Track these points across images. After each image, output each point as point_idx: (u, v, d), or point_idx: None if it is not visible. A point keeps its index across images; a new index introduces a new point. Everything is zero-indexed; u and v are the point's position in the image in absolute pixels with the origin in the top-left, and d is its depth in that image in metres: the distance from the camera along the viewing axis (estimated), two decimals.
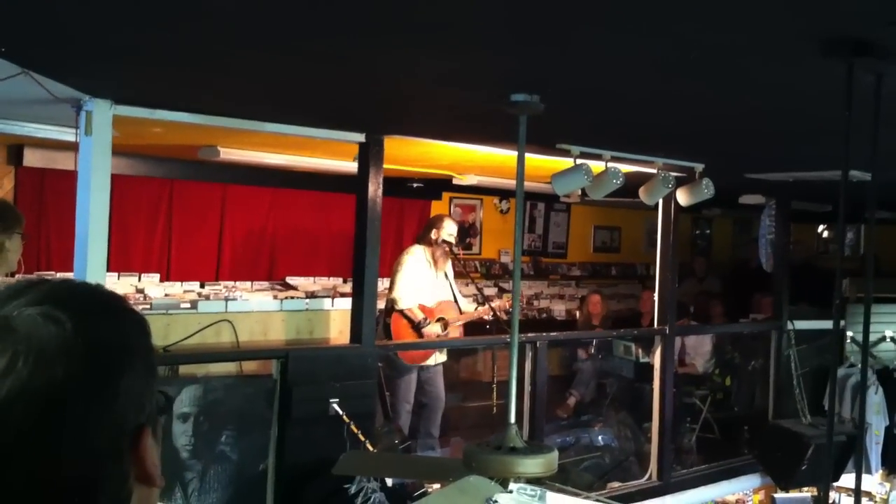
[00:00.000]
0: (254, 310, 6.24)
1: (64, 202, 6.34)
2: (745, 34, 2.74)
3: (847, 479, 7.03)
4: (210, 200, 8.45)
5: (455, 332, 6.74)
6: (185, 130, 5.08)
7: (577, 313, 10.28)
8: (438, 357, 6.69)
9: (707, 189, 5.98)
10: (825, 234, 12.49)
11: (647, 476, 7.03)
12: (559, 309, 10.94)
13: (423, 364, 6.61)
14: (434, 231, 6.72)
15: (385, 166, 5.34)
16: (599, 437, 7.70)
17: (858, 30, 2.57)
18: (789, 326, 7.91)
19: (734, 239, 13.20)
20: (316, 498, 4.86)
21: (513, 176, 3.73)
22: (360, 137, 5.24)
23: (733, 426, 8.49)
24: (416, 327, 6.51)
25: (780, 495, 7.38)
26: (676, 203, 6.43)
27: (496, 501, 2.60)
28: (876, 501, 7.78)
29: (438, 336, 6.60)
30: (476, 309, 6.93)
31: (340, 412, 4.98)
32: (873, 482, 7.76)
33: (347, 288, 7.08)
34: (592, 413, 8.52)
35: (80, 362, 0.87)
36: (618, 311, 10.68)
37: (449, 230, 6.70)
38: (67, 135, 4.68)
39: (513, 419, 3.53)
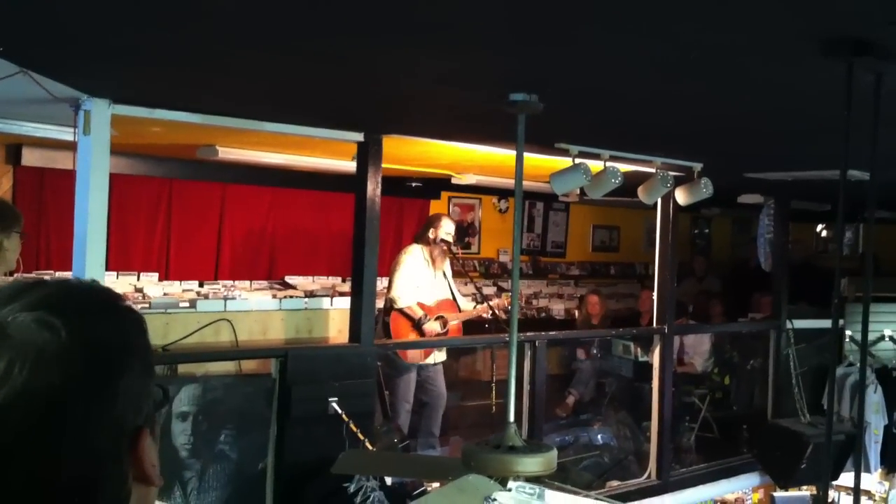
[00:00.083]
0: (253, 309, 6.23)
1: (63, 201, 6.34)
2: (745, 34, 2.74)
3: (846, 478, 7.04)
4: (209, 200, 8.44)
5: (454, 330, 6.74)
6: (184, 130, 5.08)
7: (577, 313, 10.28)
8: (438, 356, 6.69)
9: (706, 188, 5.98)
10: (824, 233, 12.49)
11: (646, 475, 7.04)
12: (558, 308, 10.94)
13: (423, 363, 6.61)
14: (432, 230, 6.72)
15: (384, 166, 5.34)
16: (598, 436, 7.71)
17: (858, 29, 2.57)
18: (788, 326, 7.91)
19: (733, 238, 13.20)
20: (315, 497, 4.86)
21: (511, 175, 3.73)
22: (359, 137, 5.24)
23: (732, 425, 8.49)
24: (417, 324, 6.52)
25: (779, 494, 7.39)
26: (675, 202, 6.43)
27: (495, 500, 2.60)
28: (875, 500, 7.78)
29: (437, 334, 6.60)
30: (475, 307, 6.93)
31: (339, 411, 4.98)
32: (872, 481, 7.77)
33: (346, 287, 7.08)
34: (591, 412, 8.53)
35: (76, 367, 0.87)
36: (617, 310, 10.68)
37: (446, 229, 6.71)
38: (66, 134, 4.68)
39: (512, 418, 3.52)
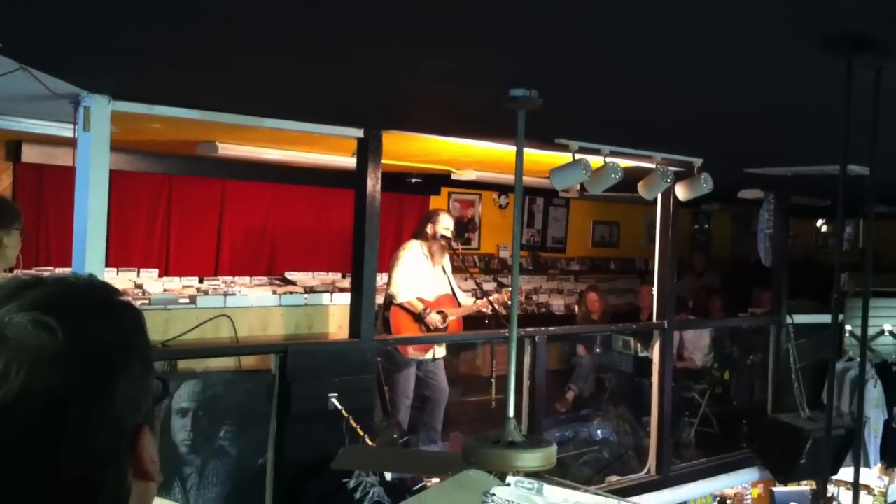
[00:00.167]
0: (253, 305, 6.23)
1: (62, 198, 6.35)
2: (745, 31, 2.74)
3: (846, 473, 7.04)
4: (209, 196, 8.45)
5: (454, 325, 6.74)
6: (184, 126, 5.07)
7: (576, 308, 10.28)
8: (438, 351, 6.70)
9: (706, 184, 5.98)
10: (824, 228, 12.49)
11: (645, 470, 7.04)
12: (558, 304, 10.94)
13: (423, 359, 6.61)
14: (430, 225, 6.72)
15: (384, 161, 5.34)
16: (598, 432, 7.72)
17: (858, 25, 2.57)
18: (788, 321, 7.91)
19: (733, 233, 13.20)
20: (315, 493, 4.86)
21: (511, 171, 3.72)
22: (359, 133, 5.24)
23: (732, 420, 8.50)
24: (418, 318, 6.52)
25: (778, 489, 7.39)
26: (675, 198, 6.43)
27: (494, 495, 2.60)
28: (874, 495, 7.79)
29: (437, 329, 6.60)
30: (474, 302, 6.93)
31: (339, 407, 4.98)
32: (872, 476, 7.77)
33: (346, 283, 7.09)
34: (591, 407, 8.54)
35: (74, 368, 0.87)
36: (616, 305, 10.68)
37: (445, 224, 6.70)
38: (66, 131, 4.68)
39: (512, 413, 3.53)
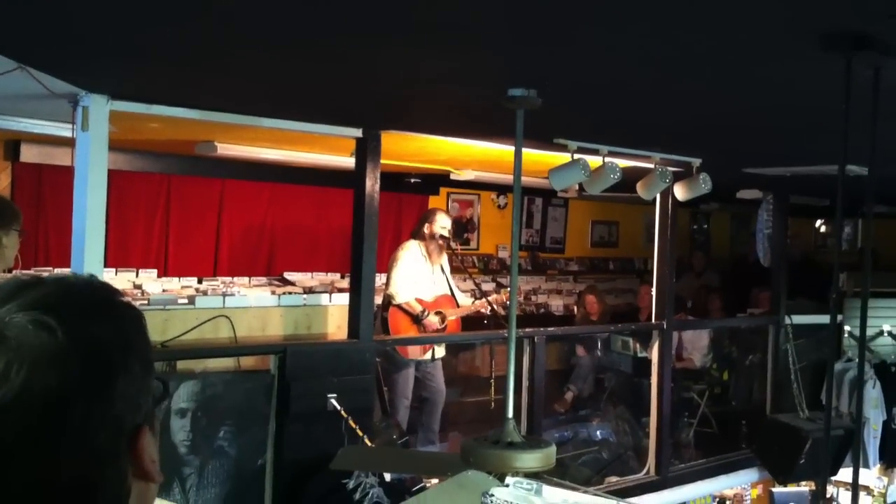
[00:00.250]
0: (252, 305, 6.23)
1: (61, 198, 6.34)
2: (744, 30, 2.74)
3: (845, 474, 7.04)
4: (208, 196, 8.44)
5: (452, 326, 6.74)
6: (183, 126, 5.07)
7: (575, 309, 10.28)
8: (437, 352, 6.69)
9: (704, 184, 5.98)
10: (823, 228, 12.50)
11: (644, 470, 7.05)
12: (557, 304, 10.93)
13: (422, 359, 6.61)
14: (427, 225, 6.72)
15: (382, 161, 5.34)
16: (597, 432, 7.71)
17: (857, 24, 2.57)
18: (787, 321, 7.92)
19: (732, 233, 13.20)
20: (314, 493, 4.86)
21: (510, 171, 3.73)
22: (358, 133, 5.23)
23: (731, 420, 8.50)
24: (417, 319, 6.51)
25: (778, 489, 7.40)
26: (674, 198, 6.43)
27: (493, 495, 2.60)
28: (874, 495, 7.79)
29: (436, 330, 6.60)
30: (473, 303, 6.93)
31: (338, 407, 4.98)
32: (871, 476, 7.77)
33: (345, 283, 7.08)
34: (590, 408, 8.54)
35: (74, 368, 0.86)
36: (615, 305, 10.68)
37: (441, 223, 6.69)
38: (64, 130, 4.67)
39: (511, 414, 3.53)
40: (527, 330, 6.28)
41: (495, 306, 6.75)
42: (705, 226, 13.03)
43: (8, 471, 0.82)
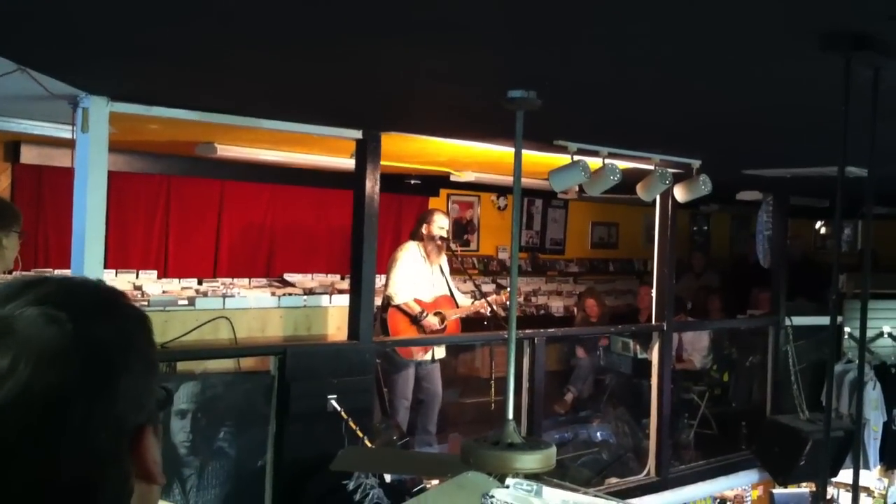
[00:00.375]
0: (251, 306, 6.23)
1: (61, 199, 6.34)
2: (744, 30, 2.74)
3: (845, 475, 7.05)
4: (207, 197, 8.44)
5: (452, 326, 6.74)
6: (183, 127, 5.07)
7: (575, 310, 10.28)
8: (436, 352, 6.69)
9: (704, 185, 5.98)
10: (823, 229, 12.50)
11: (645, 472, 7.04)
12: (557, 305, 10.93)
13: (420, 360, 6.61)
14: (425, 226, 6.72)
15: (382, 163, 5.34)
16: (597, 433, 7.71)
17: (857, 24, 2.57)
18: (787, 322, 7.92)
19: (732, 234, 13.20)
20: (314, 494, 4.86)
21: (510, 172, 3.73)
22: (358, 134, 5.24)
23: (731, 422, 8.49)
24: (415, 320, 6.51)
25: (778, 491, 7.40)
26: (674, 199, 6.43)
27: (493, 497, 2.60)
28: (874, 497, 7.79)
29: (436, 330, 6.60)
30: (472, 303, 6.93)
31: (338, 408, 4.98)
32: (871, 477, 7.77)
33: (345, 284, 7.08)
34: (591, 409, 8.53)
35: (80, 364, 0.86)
36: (615, 307, 10.68)
37: (440, 224, 6.69)
38: (64, 132, 4.68)
39: (511, 415, 3.53)
40: (527, 331, 6.29)
41: (495, 307, 6.75)
42: (705, 227, 13.03)
43: (9, 468, 0.82)
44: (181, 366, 5.26)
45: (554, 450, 3.39)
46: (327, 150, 6.17)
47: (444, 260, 6.85)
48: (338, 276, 7.98)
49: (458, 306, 6.81)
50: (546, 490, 2.76)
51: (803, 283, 8.54)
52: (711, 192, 6.07)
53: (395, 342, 6.45)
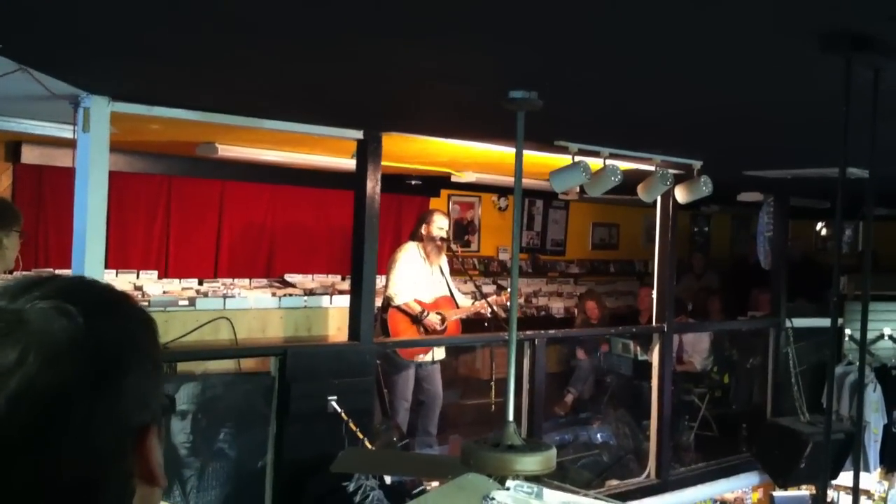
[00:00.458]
0: (252, 307, 6.23)
1: (62, 199, 6.34)
2: (745, 30, 2.74)
3: (845, 477, 7.04)
4: (208, 197, 8.43)
5: (452, 327, 6.74)
6: (184, 127, 5.07)
7: (576, 311, 10.28)
8: (437, 353, 6.69)
9: (705, 186, 5.98)
10: (823, 230, 12.50)
11: (645, 474, 7.04)
12: (557, 306, 10.93)
13: (421, 361, 6.60)
14: (424, 226, 6.71)
15: (383, 163, 5.34)
16: (598, 435, 7.71)
17: (857, 24, 2.57)
18: (787, 324, 7.91)
19: (733, 235, 13.20)
20: (314, 495, 4.86)
21: (511, 173, 3.73)
22: (359, 134, 5.24)
23: (731, 424, 8.49)
24: (416, 320, 6.51)
25: (778, 493, 7.39)
26: (675, 200, 6.42)
27: (494, 499, 2.59)
28: (874, 499, 7.78)
29: (436, 330, 6.59)
30: (473, 304, 6.93)
31: (339, 409, 4.98)
32: (871, 480, 7.77)
33: (346, 285, 7.08)
34: (591, 410, 8.53)
35: (88, 358, 0.87)
36: (615, 308, 10.68)
37: (439, 224, 6.69)
38: (65, 131, 4.68)
39: (511, 416, 3.52)
40: (527, 332, 6.28)
41: (495, 307, 6.74)
42: (706, 228, 13.03)
43: (13, 462, 0.82)
44: (182, 366, 5.26)
45: (554, 452, 3.38)
46: (328, 150, 6.17)
47: (444, 260, 6.85)
48: (338, 277, 7.98)
49: (458, 307, 6.80)
50: (546, 492, 2.75)
51: (804, 284, 8.54)
52: (712, 193, 6.06)
53: (396, 343, 6.45)
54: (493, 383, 6.86)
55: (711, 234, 13.09)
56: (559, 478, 4.98)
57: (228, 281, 7.46)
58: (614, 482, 6.90)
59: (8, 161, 7.03)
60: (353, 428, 4.96)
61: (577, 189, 5.87)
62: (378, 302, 6.20)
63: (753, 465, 7.53)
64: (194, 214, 8.37)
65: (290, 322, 6.31)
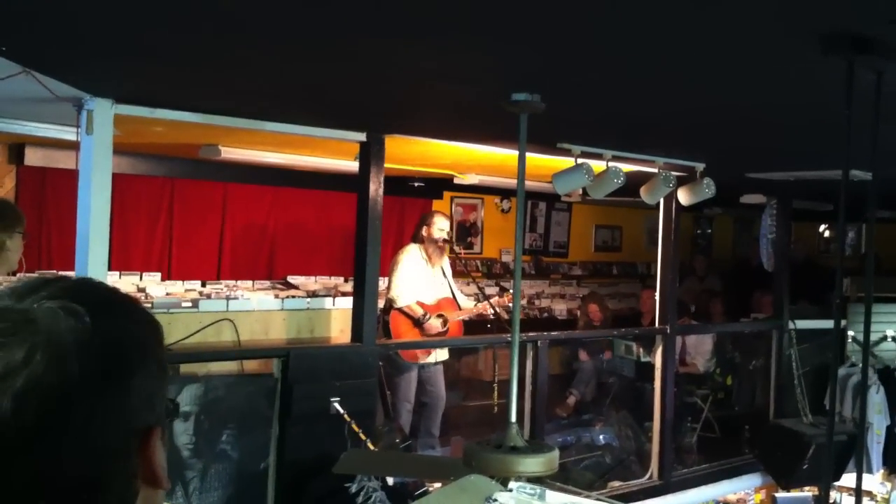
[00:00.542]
0: (255, 309, 6.23)
1: (65, 201, 6.35)
2: (747, 32, 2.74)
3: (848, 479, 7.02)
4: (211, 199, 8.45)
5: (454, 329, 6.74)
6: (187, 129, 5.08)
7: (578, 313, 10.27)
8: (439, 355, 6.69)
9: (708, 188, 5.98)
10: (826, 233, 12.49)
11: (647, 475, 7.03)
12: (560, 308, 10.93)
13: (423, 362, 6.60)
14: (425, 228, 6.72)
15: (386, 165, 5.35)
16: (600, 437, 7.71)
17: (859, 27, 2.57)
18: (790, 325, 7.91)
19: (735, 238, 13.19)
20: (317, 496, 4.86)
21: (514, 175, 3.73)
22: (362, 137, 5.24)
23: (734, 425, 8.48)
24: (417, 323, 6.51)
25: (781, 495, 7.38)
26: (677, 202, 6.42)
27: (496, 500, 2.59)
28: (877, 501, 7.77)
29: (438, 332, 6.60)
30: (475, 305, 6.93)
31: (341, 411, 4.98)
32: (874, 482, 7.76)
33: (348, 287, 7.08)
34: (593, 412, 8.52)
35: (95, 358, 0.87)
36: (618, 310, 10.67)
37: (439, 226, 6.69)
38: (68, 134, 4.68)
39: (513, 418, 3.53)
40: (530, 334, 6.28)
41: (497, 308, 6.74)
42: (708, 230, 13.02)
43: (16, 461, 0.82)
44: (184, 368, 5.26)
45: (557, 453, 3.39)
46: (330, 152, 6.17)
47: (445, 262, 6.85)
48: (341, 279, 7.99)
49: (460, 308, 6.81)
50: (549, 493, 2.76)
51: (806, 286, 8.54)
52: (715, 196, 6.06)
53: (398, 345, 6.45)
54: (495, 385, 6.86)
55: (714, 237, 13.08)
56: (561, 479, 4.99)
57: (231, 283, 7.46)
58: (617, 484, 6.90)
59: (11, 163, 7.05)
60: (356, 429, 4.96)
61: (580, 191, 5.87)
62: (380, 304, 6.21)
63: (756, 466, 7.53)
64: (197, 216, 8.38)
65: (292, 324, 6.32)
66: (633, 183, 5.69)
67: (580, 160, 5.19)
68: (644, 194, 5.94)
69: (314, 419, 4.99)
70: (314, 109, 4.75)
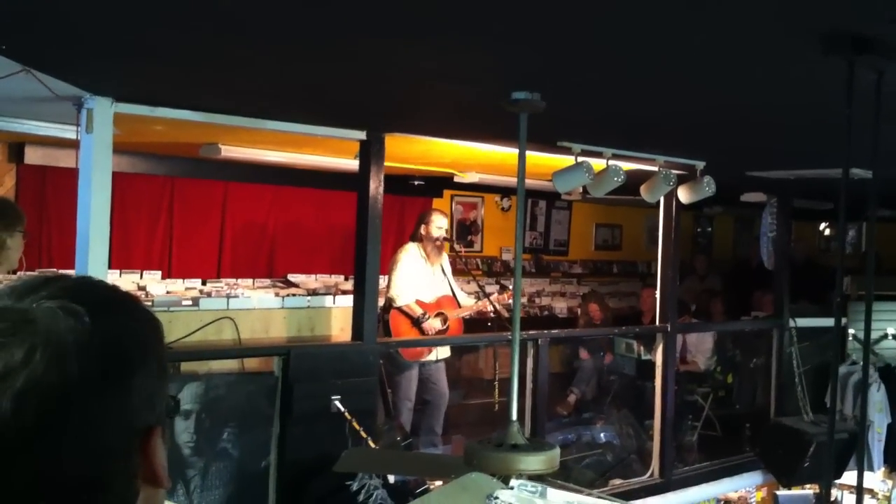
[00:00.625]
0: (255, 307, 6.24)
1: (65, 200, 6.34)
2: (747, 32, 2.74)
3: (849, 477, 7.02)
4: (211, 198, 8.45)
5: (455, 326, 6.74)
6: (187, 128, 5.08)
7: (578, 312, 10.27)
8: (440, 353, 6.69)
9: (708, 187, 5.98)
10: (827, 231, 12.49)
11: (648, 473, 7.04)
12: (560, 306, 10.93)
13: (424, 360, 6.60)
14: (423, 227, 6.72)
15: (386, 164, 5.35)
16: (601, 435, 7.71)
17: (859, 27, 2.57)
18: (791, 324, 7.91)
19: (736, 236, 13.19)
20: (318, 495, 4.86)
21: (514, 173, 3.73)
22: (362, 135, 5.24)
23: (735, 423, 8.48)
24: (416, 322, 6.51)
25: (782, 493, 7.39)
26: (678, 201, 6.42)
27: (497, 498, 2.60)
28: (878, 499, 7.78)
29: (438, 331, 6.60)
30: (475, 303, 6.93)
31: (342, 409, 4.98)
32: (875, 479, 7.76)
33: (349, 285, 7.08)
34: (594, 410, 8.52)
35: (95, 357, 0.87)
36: (618, 309, 10.67)
37: (438, 224, 6.69)
38: (68, 132, 4.68)
39: (514, 416, 3.53)
40: (530, 332, 6.28)
41: (497, 306, 6.74)
42: (709, 229, 13.02)
43: (16, 461, 0.82)
44: (185, 366, 5.26)
45: (557, 451, 3.39)
46: (331, 151, 6.17)
47: (445, 260, 6.85)
48: (341, 277, 7.99)
49: (460, 306, 6.81)
50: (550, 491, 2.76)
51: (807, 285, 8.53)
52: (715, 194, 6.06)
53: (399, 343, 6.45)
54: (496, 383, 6.85)
55: (714, 236, 13.07)
56: (563, 477, 4.99)
57: (232, 281, 7.47)
58: (618, 481, 6.90)
59: (11, 162, 7.04)
60: (357, 428, 4.96)
61: (580, 189, 5.87)
62: (380, 302, 6.21)
63: (757, 464, 7.53)
64: (197, 215, 8.38)
65: (293, 322, 6.32)
66: (634, 181, 5.69)
67: (580, 158, 5.19)
68: (644, 193, 5.94)
69: (315, 418, 4.99)
70: (314, 109, 4.75)
